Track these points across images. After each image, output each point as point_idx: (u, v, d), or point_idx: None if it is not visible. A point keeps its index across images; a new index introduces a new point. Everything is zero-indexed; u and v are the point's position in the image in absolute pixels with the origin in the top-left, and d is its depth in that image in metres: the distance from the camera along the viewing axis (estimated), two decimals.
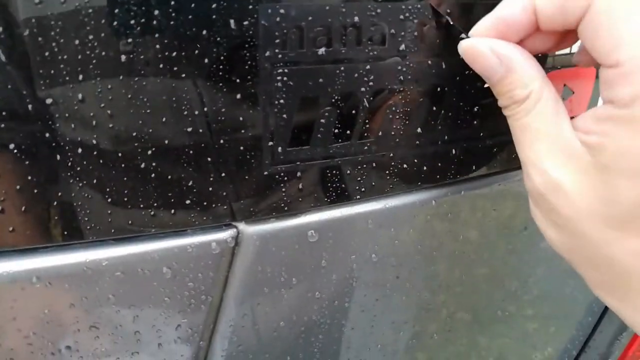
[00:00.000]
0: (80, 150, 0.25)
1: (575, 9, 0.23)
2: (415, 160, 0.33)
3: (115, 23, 0.23)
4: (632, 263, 0.24)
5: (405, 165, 0.33)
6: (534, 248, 0.47)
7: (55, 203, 0.25)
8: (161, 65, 0.24)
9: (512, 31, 0.26)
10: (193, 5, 0.24)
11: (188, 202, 0.28)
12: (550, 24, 0.25)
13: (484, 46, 0.26)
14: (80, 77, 0.23)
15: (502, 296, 0.50)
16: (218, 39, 0.25)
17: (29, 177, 0.24)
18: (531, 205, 0.28)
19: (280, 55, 0.26)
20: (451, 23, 0.29)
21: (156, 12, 0.23)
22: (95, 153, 0.25)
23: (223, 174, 0.28)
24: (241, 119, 0.27)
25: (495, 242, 0.43)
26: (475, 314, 0.49)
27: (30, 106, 0.23)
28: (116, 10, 0.23)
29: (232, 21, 0.25)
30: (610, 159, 0.23)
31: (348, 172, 0.31)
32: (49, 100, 0.23)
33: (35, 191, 0.25)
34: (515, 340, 0.57)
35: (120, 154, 0.25)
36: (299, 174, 0.30)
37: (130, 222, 0.27)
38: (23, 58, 0.22)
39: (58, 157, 0.24)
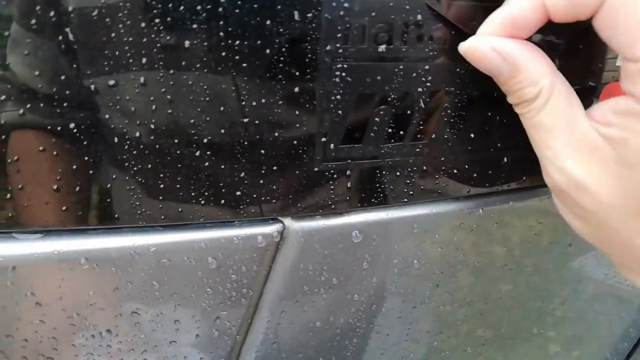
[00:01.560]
0: (136, 135, 0.25)
1: (589, 1, 0.22)
2: (466, 166, 0.32)
3: (175, 14, 0.23)
4: None
5: (455, 171, 0.32)
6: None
7: (108, 186, 0.25)
8: (220, 56, 0.24)
9: (521, 29, 0.24)
10: None
11: (238, 193, 0.28)
12: (562, 18, 0.23)
13: (484, 46, 0.25)
14: (159, 64, 0.23)
15: (525, 315, 0.48)
16: (280, 30, 0.25)
17: (85, 158, 0.25)
18: (554, 198, 0.27)
19: (340, 50, 0.26)
20: (453, 23, 0.27)
21: (221, 0, 0.23)
22: (150, 140, 0.25)
23: (274, 168, 0.28)
24: (297, 113, 0.27)
25: (539, 257, 0.42)
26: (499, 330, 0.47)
27: (93, 90, 0.23)
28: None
29: (295, 12, 0.25)
30: (633, 154, 0.22)
31: (397, 173, 0.31)
32: (111, 82, 0.24)
33: (91, 172, 0.25)
34: None
35: (175, 143, 0.25)
36: (348, 172, 0.29)
37: (180, 210, 0.27)
38: (72, 47, 0.23)
39: (115, 140, 0.25)
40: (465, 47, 0.25)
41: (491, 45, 0.24)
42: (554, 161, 0.24)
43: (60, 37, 0.22)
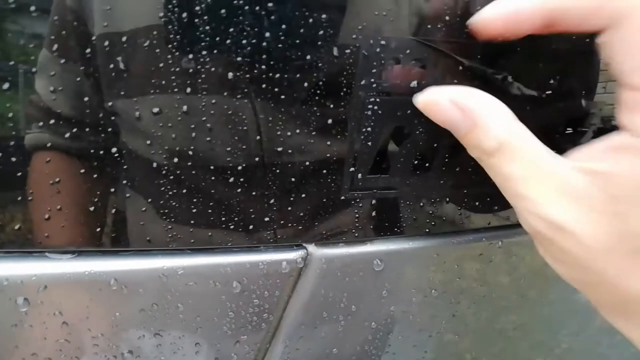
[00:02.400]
0: (169, 162, 0.25)
1: (608, 17, 0.21)
2: (488, 199, 0.33)
3: (217, 45, 0.24)
4: None
5: (477, 203, 0.32)
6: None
7: (143, 209, 0.26)
8: (259, 88, 0.25)
9: (520, 28, 0.23)
10: (302, 30, 0.24)
11: (266, 219, 0.28)
12: (567, 27, 0.23)
13: (443, 99, 0.24)
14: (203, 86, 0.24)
15: (530, 346, 0.48)
16: (319, 64, 0.25)
17: (124, 182, 0.25)
18: (536, 244, 0.25)
19: (374, 85, 0.27)
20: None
21: (267, 34, 0.24)
22: (182, 167, 0.26)
23: (302, 195, 0.28)
24: (328, 143, 0.27)
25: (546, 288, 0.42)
26: None
27: (131, 116, 0.24)
28: (229, 30, 0.24)
29: (335, 48, 0.25)
30: (624, 190, 0.21)
31: (421, 204, 0.31)
32: (155, 110, 0.24)
33: (126, 196, 0.26)
34: None
35: (208, 170, 0.26)
36: (373, 201, 0.30)
37: (210, 234, 0.27)
38: (95, 72, 0.23)
39: (148, 167, 0.25)
40: (423, 102, 0.25)
41: (451, 99, 0.24)
42: (533, 210, 0.23)
43: (85, 63, 0.23)
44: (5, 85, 0.23)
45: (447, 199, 0.32)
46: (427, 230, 0.32)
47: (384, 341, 0.36)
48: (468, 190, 0.32)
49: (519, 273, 0.38)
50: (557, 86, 0.30)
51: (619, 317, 0.25)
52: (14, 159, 0.24)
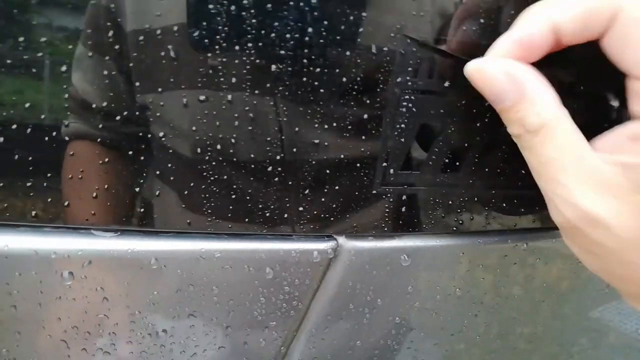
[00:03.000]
0: (211, 149, 0.27)
1: (600, 21, 0.22)
2: (516, 201, 0.33)
3: (258, 40, 0.25)
4: None
5: (504, 204, 0.33)
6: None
7: (185, 192, 0.27)
8: (300, 81, 0.26)
9: (531, 54, 0.24)
10: (342, 27, 0.26)
11: (300, 209, 0.29)
12: (572, 40, 0.23)
13: (497, 69, 0.24)
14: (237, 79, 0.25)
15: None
16: (357, 60, 0.27)
17: (169, 165, 0.27)
18: (564, 236, 0.26)
19: (410, 83, 0.28)
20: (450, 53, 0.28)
21: (309, 29, 0.25)
22: (224, 154, 0.27)
23: (336, 188, 0.29)
24: (363, 137, 0.28)
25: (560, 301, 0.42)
26: None
27: (180, 104, 0.25)
28: (266, 28, 0.25)
29: (373, 46, 0.27)
30: None
31: (450, 202, 0.32)
32: (202, 97, 0.26)
33: (171, 178, 0.27)
34: None
35: (249, 158, 0.27)
36: (404, 197, 0.31)
37: (246, 220, 0.28)
38: (127, 68, 0.25)
39: (190, 153, 0.26)
40: (474, 69, 0.24)
41: (505, 70, 0.23)
42: (567, 198, 0.23)
43: (118, 57, 0.25)
44: (45, 78, 0.24)
45: (475, 199, 0.32)
46: (454, 228, 0.33)
47: (406, 337, 0.37)
48: (496, 190, 0.32)
49: (541, 277, 0.38)
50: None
51: None
52: (55, 145, 0.25)
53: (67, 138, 0.25)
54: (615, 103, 0.31)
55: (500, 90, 0.24)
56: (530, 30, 0.23)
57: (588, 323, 0.48)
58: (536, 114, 0.23)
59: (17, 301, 0.27)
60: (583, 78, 0.30)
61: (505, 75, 0.23)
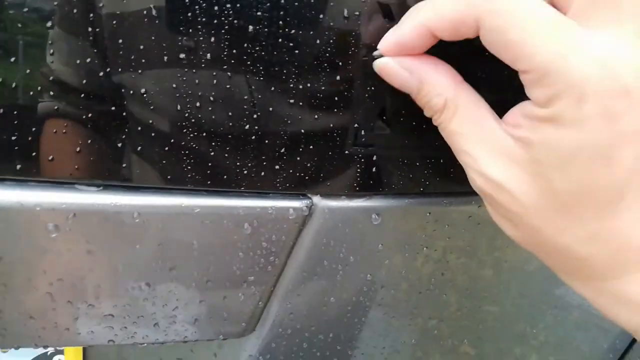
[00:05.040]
0: (189, 109, 0.28)
1: (468, 27, 0.24)
2: None
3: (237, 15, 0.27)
4: (584, 250, 0.24)
5: None
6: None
7: (166, 149, 0.28)
8: (278, 49, 0.28)
9: (412, 51, 0.26)
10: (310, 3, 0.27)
11: (276, 167, 0.31)
12: (450, 38, 0.25)
13: (393, 63, 0.27)
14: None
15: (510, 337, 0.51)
16: (330, 24, 0.28)
17: (150, 122, 0.28)
18: (485, 204, 0.28)
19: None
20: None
21: (279, 7, 0.27)
22: (200, 113, 0.28)
23: (310, 147, 0.31)
24: (336, 98, 0.30)
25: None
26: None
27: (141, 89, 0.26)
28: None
29: (345, 10, 0.28)
30: (539, 153, 0.23)
31: (417, 163, 0.34)
32: (183, 65, 0.27)
33: (150, 135, 0.28)
34: None
35: (228, 116, 0.29)
36: (374, 157, 0.33)
37: (225, 177, 0.30)
38: (104, 49, 0.26)
39: (177, 121, 0.28)
40: (379, 67, 0.27)
41: (399, 62, 0.26)
42: (473, 166, 0.25)
43: (91, 38, 0.26)
44: (19, 57, 0.25)
45: (441, 160, 0.34)
46: (421, 189, 0.35)
47: (377, 294, 0.39)
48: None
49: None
50: None
51: (569, 277, 0.27)
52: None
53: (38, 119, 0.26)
54: None
55: (403, 81, 0.27)
56: (405, 33, 0.26)
57: (553, 300, 0.51)
58: (437, 95, 0.26)
59: (3, 253, 0.28)
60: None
61: (404, 69, 0.27)
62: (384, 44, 0.27)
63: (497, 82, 0.32)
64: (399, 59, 0.27)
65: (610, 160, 0.22)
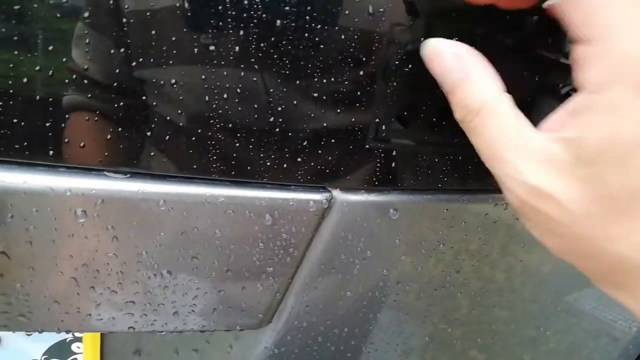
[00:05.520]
0: (215, 99, 0.29)
1: None
2: None
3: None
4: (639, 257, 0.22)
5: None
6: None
7: (193, 139, 0.29)
8: (304, 47, 0.28)
9: None
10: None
11: (299, 160, 0.31)
12: (509, 6, 0.25)
13: (447, 48, 0.26)
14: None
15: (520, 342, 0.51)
16: (354, 21, 0.29)
17: (178, 113, 0.28)
18: (521, 220, 0.26)
19: (403, 45, 0.30)
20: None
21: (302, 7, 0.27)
22: (228, 104, 0.29)
23: (332, 141, 0.31)
24: (358, 94, 0.31)
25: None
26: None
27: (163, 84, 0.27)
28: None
29: (370, 6, 0.29)
30: (594, 152, 0.21)
31: (436, 159, 0.34)
32: (211, 62, 0.27)
33: (179, 125, 0.29)
34: None
35: (253, 108, 0.29)
36: (394, 152, 0.33)
37: (248, 168, 0.30)
38: (133, 45, 0.27)
39: (195, 103, 0.28)
40: (429, 46, 0.26)
41: (453, 49, 0.25)
42: (514, 175, 0.23)
43: (116, 34, 0.26)
44: (48, 50, 0.26)
45: (460, 157, 0.35)
46: (439, 185, 0.35)
47: (392, 289, 0.39)
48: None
49: (518, 234, 0.41)
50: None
51: (612, 287, 0.24)
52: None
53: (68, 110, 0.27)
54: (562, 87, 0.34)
55: (447, 68, 0.26)
56: None
57: (564, 306, 0.51)
58: (477, 94, 0.24)
59: (33, 237, 0.29)
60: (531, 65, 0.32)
61: (453, 55, 0.26)
62: None
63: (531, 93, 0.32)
64: (453, 43, 0.25)
65: None
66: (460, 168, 0.35)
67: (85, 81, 0.27)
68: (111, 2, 0.26)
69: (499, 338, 0.49)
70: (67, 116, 0.27)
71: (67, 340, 0.43)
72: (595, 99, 0.21)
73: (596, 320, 0.56)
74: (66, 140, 0.28)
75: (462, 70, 0.25)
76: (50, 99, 0.27)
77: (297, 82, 0.29)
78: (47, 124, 0.27)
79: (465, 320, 0.45)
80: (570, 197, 0.22)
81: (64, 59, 0.26)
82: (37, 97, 0.26)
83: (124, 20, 0.27)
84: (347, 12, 0.29)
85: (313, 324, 0.39)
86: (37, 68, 0.26)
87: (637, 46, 0.20)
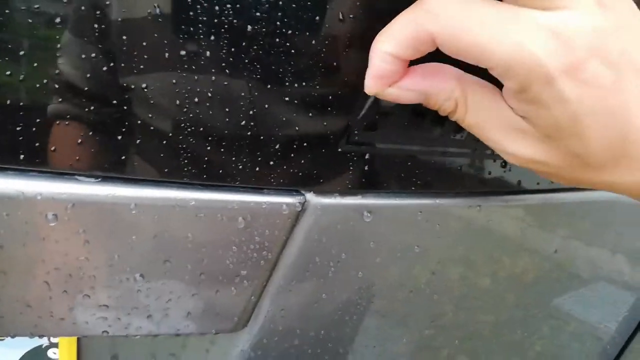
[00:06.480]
0: (186, 107, 0.29)
1: (429, 46, 0.25)
2: (469, 165, 0.37)
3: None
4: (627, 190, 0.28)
5: (459, 167, 0.36)
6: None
7: (164, 142, 0.29)
8: (276, 53, 0.29)
9: (394, 78, 0.27)
10: (308, 14, 0.28)
11: (271, 163, 0.32)
12: (419, 56, 0.26)
13: (394, 90, 0.27)
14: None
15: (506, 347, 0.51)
16: (327, 26, 0.29)
17: (149, 117, 0.29)
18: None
19: None
20: None
21: (279, 17, 0.28)
22: (198, 112, 0.29)
23: (304, 145, 0.32)
24: (330, 97, 0.31)
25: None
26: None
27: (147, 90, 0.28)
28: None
29: (340, 13, 0.29)
30: (542, 128, 0.25)
31: (409, 163, 0.35)
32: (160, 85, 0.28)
33: (151, 129, 0.29)
34: None
35: (225, 114, 0.30)
36: (367, 156, 0.34)
37: (220, 171, 0.31)
38: (106, 50, 0.27)
39: (182, 104, 0.29)
40: (385, 97, 0.28)
41: (400, 88, 0.27)
42: (499, 149, 0.28)
43: (101, 43, 0.27)
44: (33, 62, 0.26)
45: (433, 159, 0.35)
46: (412, 188, 0.36)
47: (368, 292, 0.40)
48: (453, 153, 0.36)
49: (493, 239, 0.41)
50: None
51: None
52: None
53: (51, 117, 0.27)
54: None
55: (411, 100, 0.28)
56: (377, 66, 0.26)
57: (549, 311, 0.52)
58: (446, 100, 0.27)
59: (4, 241, 0.29)
60: None
61: (406, 91, 0.27)
62: (368, 88, 0.27)
63: None
64: (398, 84, 0.27)
65: (613, 115, 0.24)
66: (433, 170, 0.36)
67: (57, 85, 0.27)
68: (87, 10, 0.26)
69: (485, 343, 0.50)
70: (38, 120, 0.27)
71: (43, 346, 0.42)
72: (521, 96, 0.25)
73: (582, 323, 0.57)
74: (37, 144, 0.28)
75: (420, 94, 0.28)
76: (22, 104, 0.27)
77: (269, 86, 0.30)
78: (18, 129, 0.27)
79: (448, 325, 0.46)
80: (549, 157, 0.26)
81: (35, 64, 0.27)
82: (8, 102, 0.26)
83: (97, 26, 0.27)
84: (317, 17, 0.29)
85: (289, 327, 0.39)
86: (8, 73, 0.26)
87: (535, 54, 0.23)
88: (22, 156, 0.28)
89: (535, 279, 0.46)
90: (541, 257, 0.44)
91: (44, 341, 0.42)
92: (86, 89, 0.28)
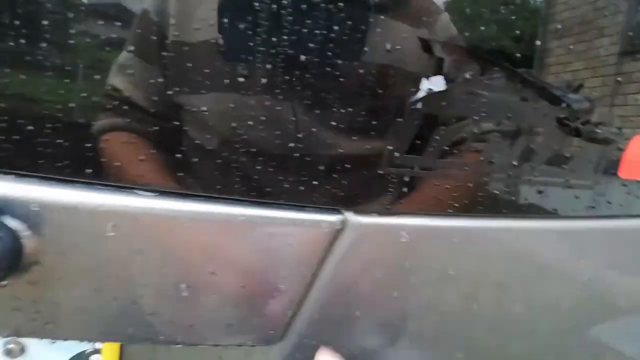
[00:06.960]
0: (240, 132, 0.31)
1: None
2: (507, 190, 0.37)
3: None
4: None
5: (496, 192, 0.37)
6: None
7: (217, 162, 0.31)
8: (324, 76, 0.31)
9: None
10: (355, 39, 0.30)
11: (315, 183, 0.33)
12: None
13: None
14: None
15: None
16: (374, 56, 0.31)
17: (205, 138, 0.31)
18: None
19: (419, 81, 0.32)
20: None
21: (326, 42, 0.30)
22: (255, 141, 0.31)
23: (347, 166, 0.33)
24: (374, 122, 0.33)
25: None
26: None
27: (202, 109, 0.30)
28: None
29: (387, 44, 0.31)
30: None
31: (447, 186, 0.36)
32: (236, 95, 0.30)
33: (208, 148, 0.31)
34: None
35: (278, 138, 0.31)
36: (406, 178, 0.35)
37: (268, 189, 0.33)
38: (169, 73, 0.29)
39: (236, 126, 0.31)
40: None
41: None
42: None
43: (167, 69, 0.29)
44: (93, 79, 0.29)
45: (470, 184, 0.36)
46: (450, 210, 0.37)
47: (402, 312, 0.40)
48: (490, 178, 0.37)
49: (527, 264, 0.42)
50: None
51: None
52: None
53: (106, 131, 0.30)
54: None
55: None
56: None
57: (586, 340, 0.51)
58: None
59: (66, 249, 0.31)
60: None
61: None
62: None
63: None
64: None
65: None
66: (470, 194, 0.37)
67: (125, 106, 0.29)
68: (157, 37, 0.29)
69: None
70: (105, 137, 0.29)
71: (87, 352, 0.44)
72: None
73: (618, 355, 0.56)
74: (103, 159, 0.30)
75: None
76: (91, 122, 0.29)
77: (316, 111, 0.32)
78: (87, 144, 0.29)
79: (480, 350, 0.46)
80: None
81: (104, 86, 0.29)
82: (80, 121, 0.29)
83: (164, 53, 0.29)
84: (365, 48, 0.31)
85: (323, 342, 0.40)
86: (84, 94, 0.29)
87: None
88: (88, 170, 0.30)
89: (571, 307, 0.46)
90: (577, 285, 0.44)
91: (88, 347, 0.44)
92: (151, 109, 0.30)
